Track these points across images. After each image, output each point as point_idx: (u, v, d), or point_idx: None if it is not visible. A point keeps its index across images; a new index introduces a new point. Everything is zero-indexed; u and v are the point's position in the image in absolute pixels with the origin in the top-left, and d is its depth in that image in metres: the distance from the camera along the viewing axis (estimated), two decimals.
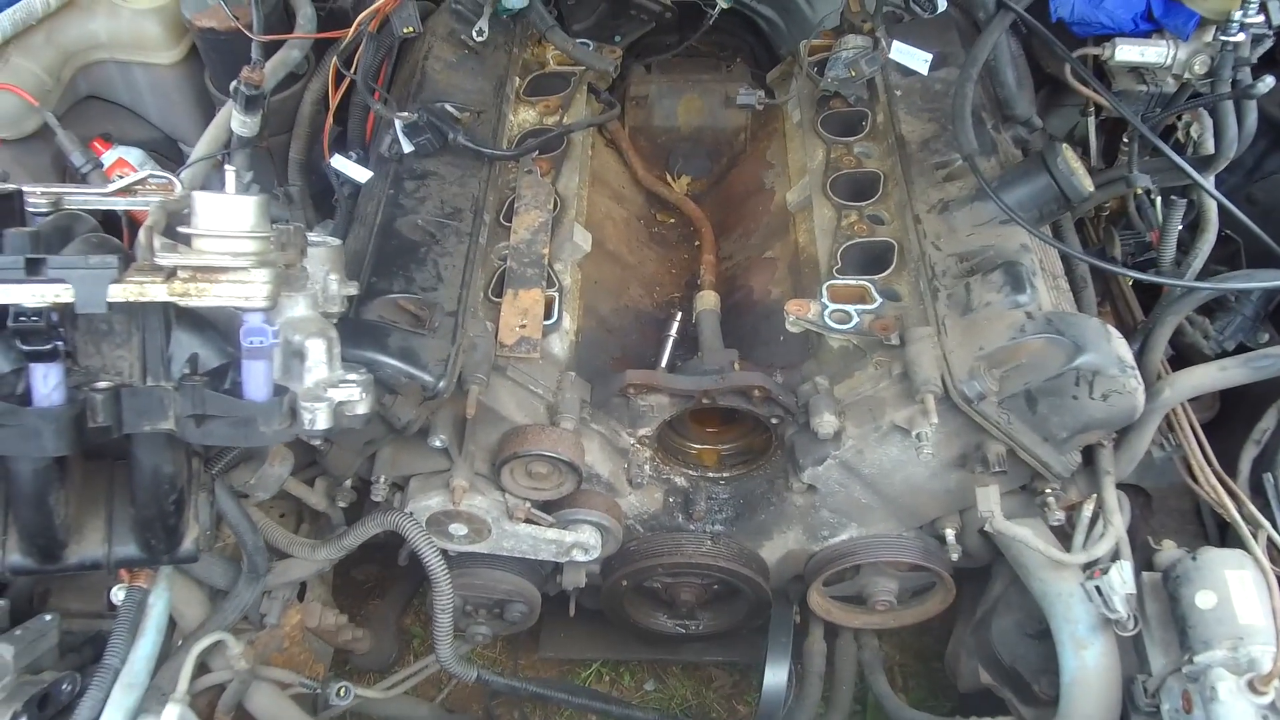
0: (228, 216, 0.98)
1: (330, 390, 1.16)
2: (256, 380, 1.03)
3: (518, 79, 2.38)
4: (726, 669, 2.69)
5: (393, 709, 2.15)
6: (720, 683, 2.71)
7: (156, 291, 0.98)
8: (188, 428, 1.04)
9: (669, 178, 2.67)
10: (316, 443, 1.67)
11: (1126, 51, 1.94)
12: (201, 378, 1.05)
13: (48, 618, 1.54)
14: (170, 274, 0.98)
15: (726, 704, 2.69)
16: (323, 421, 1.12)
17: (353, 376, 1.20)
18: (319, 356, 1.17)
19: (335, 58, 2.06)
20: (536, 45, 2.49)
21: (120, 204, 1.39)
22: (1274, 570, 1.64)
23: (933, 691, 2.62)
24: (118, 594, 1.52)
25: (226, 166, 1.07)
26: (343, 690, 1.70)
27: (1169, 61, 1.95)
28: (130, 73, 2.16)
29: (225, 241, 0.98)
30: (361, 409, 1.18)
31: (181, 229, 1.00)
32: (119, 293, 0.97)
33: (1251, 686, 1.52)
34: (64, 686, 1.47)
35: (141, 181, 1.40)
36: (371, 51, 2.06)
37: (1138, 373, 1.70)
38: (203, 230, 0.98)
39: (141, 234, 1.03)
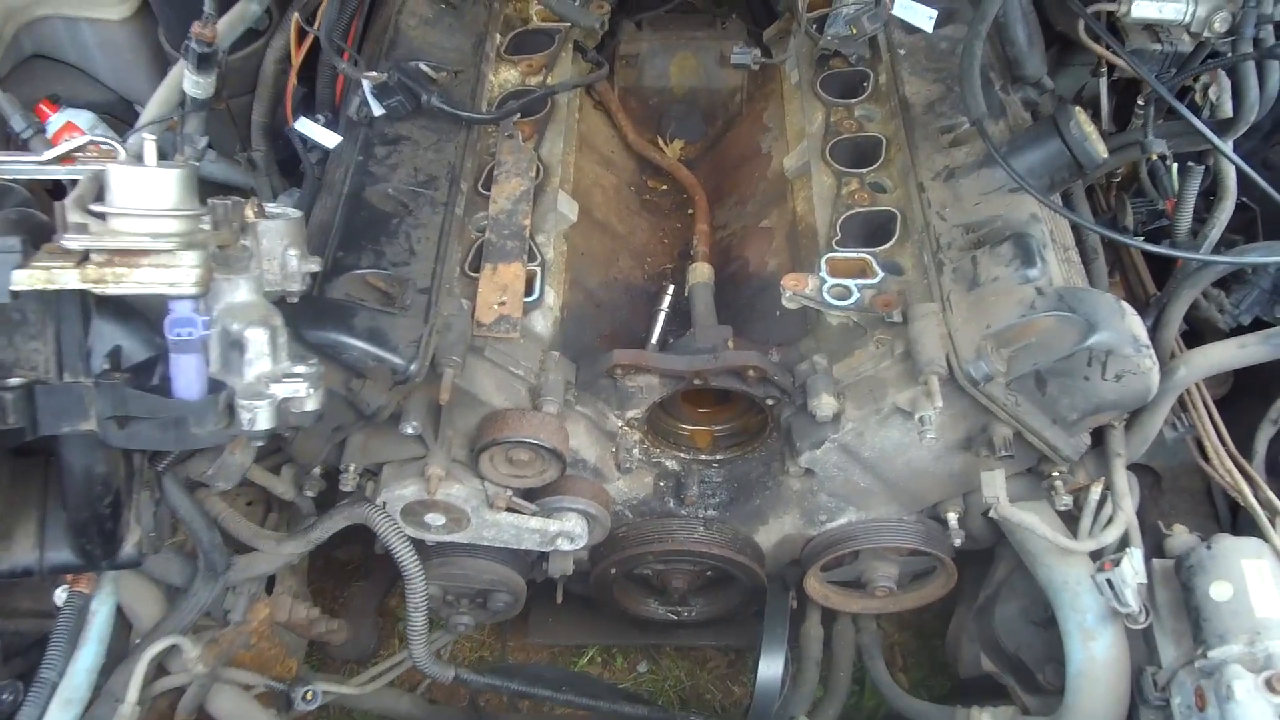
0: (146, 192, 0.86)
1: (273, 386, 1.04)
2: (187, 376, 0.91)
3: (499, 36, 2.24)
4: (721, 649, 2.63)
5: (372, 703, 2.07)
6: (715, 664, 2.64)
7: (68, 278, 0.86)
8: (110, 430, 0.93)
9: (661, 142, 2.54)
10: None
11: (1143, 8, 1.82)
12: (123, 375, 0.94)
13: None
14: (83, 258, 0.87)
15: (721, 685, 2.62)
16: (264, 421, 1.01)
17: (300, 369, 1.09)
18: (260, 348, 1.05)
19: (297, 13, 1.92)
20: (519, 0, 2.35)
21: (60, 173, 1.26)
22: None
23: (932, 670, 2.56)
24: (60, 595, 1.41)
25: (145, 136, 0.95)
26: (309, 694, 1.61)
27: (1188, 18, 1.82)
28: (78, 29, 2.01)
29: (145, 221, 0.86)
30: (310, 405, 1.07)
31: (95, 206, 0.89)
32: (24, 279, 0.85)
33: (1270, 685, 1.44)
34: (4, 696, 1.37)
35: (83, 148, 1.27)
36: (337, 5, 1.92)
37: (1153, 352, 1.60)
38: (118, 209, 0.86)
39: (58, 209, 0.91)
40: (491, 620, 2.11)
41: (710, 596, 2.19)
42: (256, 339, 1.04)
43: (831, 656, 2.25)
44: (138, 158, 0.90)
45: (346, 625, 2.10)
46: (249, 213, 1.18)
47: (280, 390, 1.04)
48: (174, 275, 0.88)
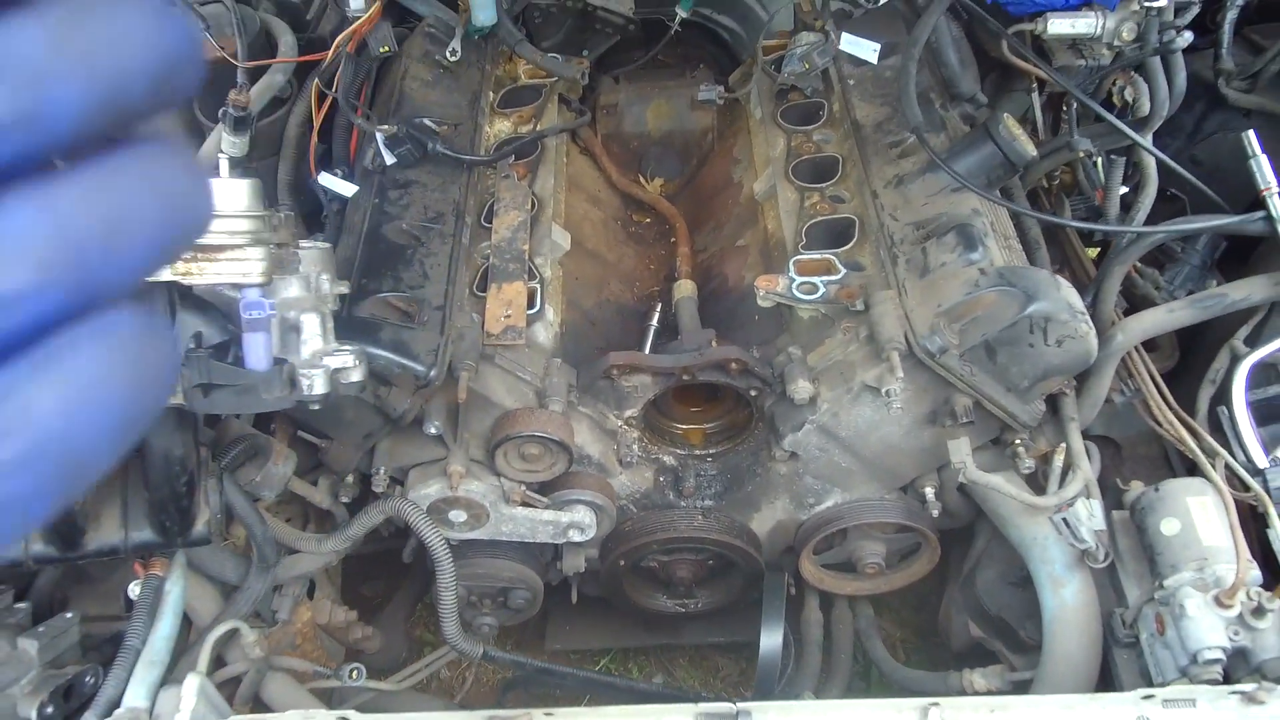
0: (224, 198, 1.08)
1: (326, 358, 1.25)
2: (257, 351, 1.11)
3: (491, 93, 2.50)
4: (732, 657, 2.76)
5: (405, 704, 2.21)
6: (727, 671, 2.77)
7: (164, 272, 1.07)
8: (195, 398, 1.13)
9: (642, 180, 2.78)
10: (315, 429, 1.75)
11: (1058, 25, 2.06)
12: (206, 350, 1.14)
13: (69, 615, 1.62)
14: None
15: (734, 691, 2.75)
16: (320, 386, 1.21)
17: (347, 346, 1.30)
18: (314, 329, 1.26)
19: (317, 79, 2.18)
20: (508, 62, 2.62)
21: None
22: (1231, 494, 1.73)
23: (932, 665, 2.68)
24: (134, 589, 1.60)
25: (219, 154, 1.17)
26: (355, 672, 1.78)
27: (1099, 31, 2.06)
28: None
29: (222, 221, 1.07)
30: (356, 376, 1.27)
31: None
32: None
33: (1218, 601, 1.60)
34: (87, 679, 1.54)
35: None
36: (351, 71, 2.18)
37: (1088, 317, 1.80)
38: None
39: None
40: (513, 620, 2.27)
41: (714, 587, 2.35)
42: (310, 322, 1.25)
43: (832, 641, 2.41)
44: (215, 170, 1.12)
45: (379, 634, 2.26)
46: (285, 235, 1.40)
47: (333, 361, 1.24)
48: (245, 267, 1.09)
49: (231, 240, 1.08)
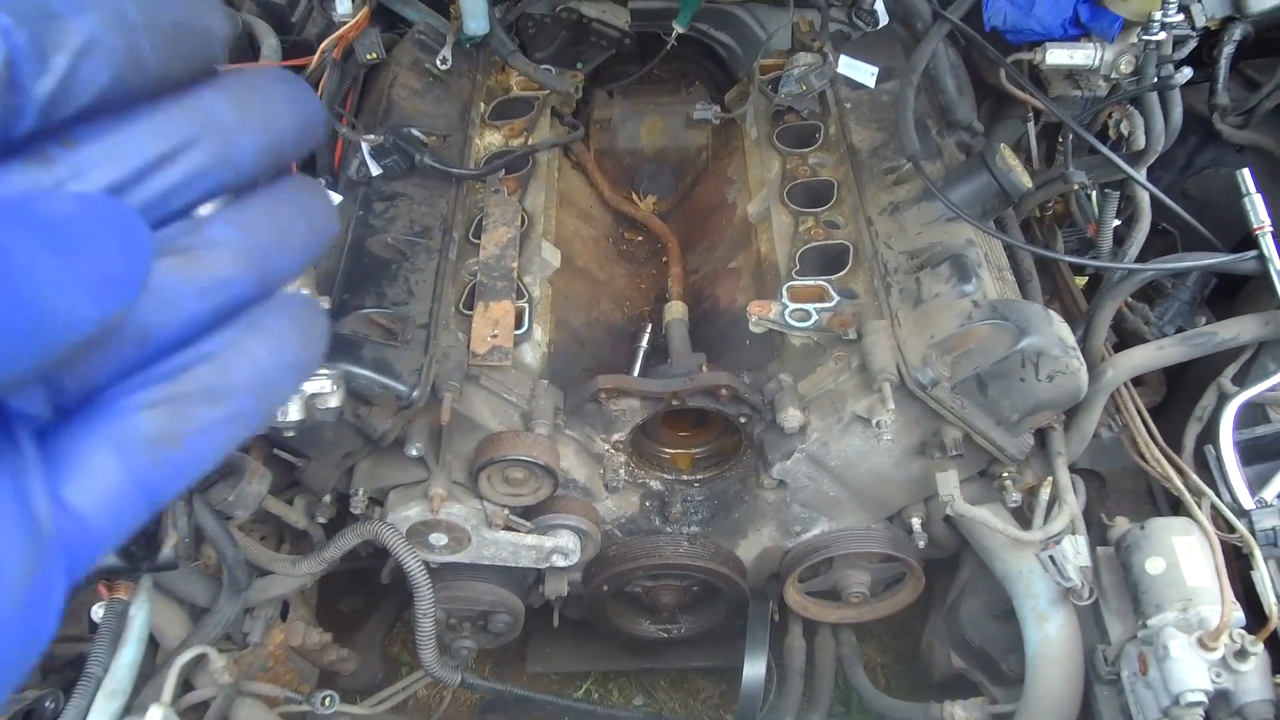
0: None
1: (302, 383, 1.22)
2: None
3: (482, 104, 2.46)
4: (713, 680, 2.73)
5: None
6: (708, 694, 2.75)
7: None
8: None
9: (635, 197, 2.75)
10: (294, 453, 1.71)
11: (1056, 55, 2.05)
12: None
13: None
14: None
15: (714, 714, 2.73)
16: (295, 413, 1.17)
17: (324, 371, 1.26)
18: None
19: None
20: (500, 72, 2.58)
21: None
22: (1217, 534, 1.71)
23: (913, 691, 2.67)
24: (97, 611, 1.55)
25: None
26: (328, 699, 1.73)
27: (1097, 63, 2.05)
28: None
29: None
30: (334, 401, 1.23)
31: None
32: None
33: (1201, 643, 1.59)
34: (47, 703, 1.49)
35: None
36: (336, 77, 2.14)
37: (1079, 353, 1.79)
38: None
39: None
40: (493, 643, 2.23)
41: (697, 613, 2.32)
42: None
43: (814, 668, 2.38)
44: None
45: (354, 655, 2.22)
46: None
47: (310, 386, 1.20)
48: None
49: None
